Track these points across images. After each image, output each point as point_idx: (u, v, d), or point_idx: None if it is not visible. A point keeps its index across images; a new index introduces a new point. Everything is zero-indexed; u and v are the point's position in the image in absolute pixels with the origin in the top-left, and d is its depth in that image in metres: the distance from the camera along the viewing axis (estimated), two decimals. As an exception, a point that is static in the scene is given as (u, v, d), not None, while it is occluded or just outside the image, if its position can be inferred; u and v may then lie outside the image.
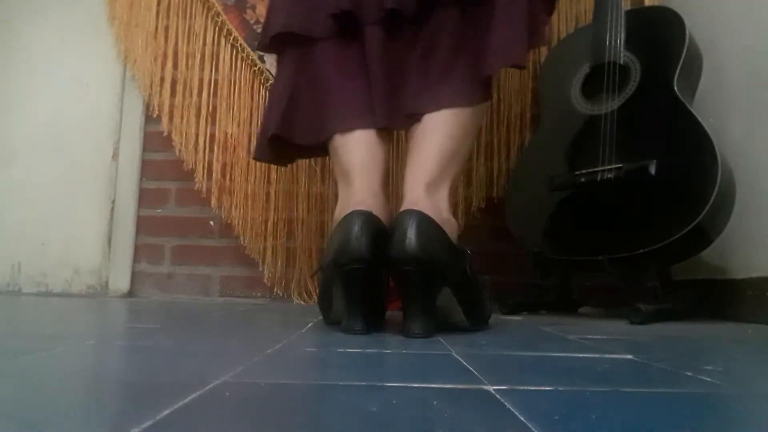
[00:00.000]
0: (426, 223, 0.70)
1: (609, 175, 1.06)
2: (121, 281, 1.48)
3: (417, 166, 0.80)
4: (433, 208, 0.74)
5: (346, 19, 0.85)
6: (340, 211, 0.80)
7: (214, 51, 1.52)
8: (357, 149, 0.84)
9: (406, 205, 0.74)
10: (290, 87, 0.90)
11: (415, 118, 0.84)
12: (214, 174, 1.48)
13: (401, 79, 0.85)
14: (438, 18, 0.84)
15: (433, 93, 0.82)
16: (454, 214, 0.86)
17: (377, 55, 0.84)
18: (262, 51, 1.02)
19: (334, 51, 0.87)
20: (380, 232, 0.72)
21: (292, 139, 0.91)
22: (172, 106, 1.51)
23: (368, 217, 0.72)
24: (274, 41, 0.92)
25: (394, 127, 0.91)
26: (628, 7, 1.23)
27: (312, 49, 0.89)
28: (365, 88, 0.86)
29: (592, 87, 1.17)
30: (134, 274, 1.49)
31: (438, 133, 0.81)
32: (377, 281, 0.76)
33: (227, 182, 1.48)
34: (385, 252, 0.70)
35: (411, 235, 0.68)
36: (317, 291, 0.91)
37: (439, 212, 0.75)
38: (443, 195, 0.80)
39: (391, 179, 1.40)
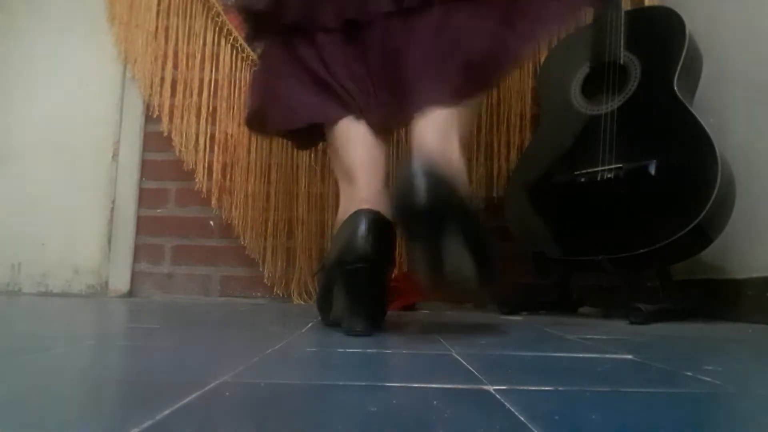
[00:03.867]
0: (436, 170, 0.66)
1: (609, 175, 1.06)
2: (121, 281, 1.48)
3: (424, 122, 0.76)
4: (447, 153, 0.71)
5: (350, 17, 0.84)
6: (345, 210, 0.79)
7: (214, 51, 1.52)
8: (357, 148, 0.84)
9: (416, 150, 0.71)
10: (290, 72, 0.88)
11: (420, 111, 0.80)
12: (214, 174, 1.48)
13: (407, 73, 0.82)
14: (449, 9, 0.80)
15: (441, 87, 0.79)
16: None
17: (379, 51, 0.83)
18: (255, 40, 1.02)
19: (338, 43, 0.86)
20: (387, 231, 0.72)
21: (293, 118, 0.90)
22: (172, 106, 1.51)
23: (375, 216, 0.71)
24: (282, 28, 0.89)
25: (393, 126, 0.89)
26: (628, 7, 1.23)
27: (315, 39, 0.86)
28: (367, 83, 0.84)
29: (592, 87, 1.17)
30: (134, 274, 1.49)
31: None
32: (381, 281, 0.76)
33: (227, 182, 1.48)
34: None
35: (421, 183, 0.64)
36: (316, 291, 0.90)
37: (453, 155, 0.73)
38: (454, 143, 0.76)
39: (392, 180, 1.40)
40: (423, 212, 0.64)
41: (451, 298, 0.70)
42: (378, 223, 0.71)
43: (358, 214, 0.71)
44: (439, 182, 0.65)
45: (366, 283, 0.70)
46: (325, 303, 0.81)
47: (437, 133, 0.74)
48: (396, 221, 0.71)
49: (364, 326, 0.70)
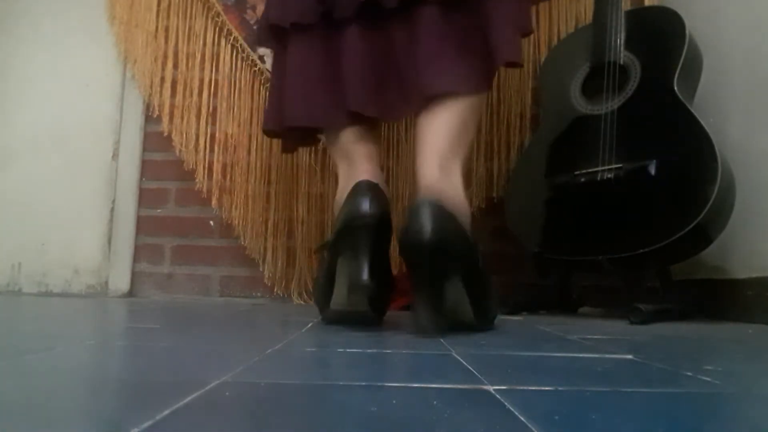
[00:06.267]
0: (440, 211, 0.70)
1: (609, 175, 1.06)
2: (121, 281, 1.48)
3: (427, 147, 0.80)
4: (451, 188, 0.75)
5: (327, 12, 0.87)
6: (343, 189, 0.83)
7: (215, 51, 1.52)
8: (353, 132, 0.88)
9: (422, 190, 0.75)
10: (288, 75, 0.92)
11: (411, 106, 0.85)
12: (214, 174, 1.48)
13: (393, 69, 0.86)
14: (424, 12, 0.83)
15: (438, 77, 0.82)
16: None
17: (360, 48, 0.85)
18: (260, 44, 1.07)
19: (321, 43, 0.89)
20: (385, 202, 0.76)
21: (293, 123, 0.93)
22: (172, 106, 1.51)
23: (377, 186, 0.76)
24: (273, 31, 0.94)
25: (386, 119, 0.94)
26: (628, 7, 1.23)
27: (302, 40, 0.90)
28: (356, 80, 0.86)
29: (592, 87, 1.17)
30: (134, 274, 1.49)
31: (445, 113, 0.82)
32: (383, 245, 0.78)
33: (227, 182, 1.48)
34: (399, 239, 0.71)
35: (426, 224, 0.68)
36: (318, 275, 0.90)
37: (456, 191, 0.77)
38: (457, 174, 0.80)
39: (391, 179, 1.40)
40: (426, 251, 0.68)
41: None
42: (378, 192, 0.76)
43: (359, 184, 0.76)
44: (441, 222, 0.69)
45: (374, 240, 0.73)
46: (326, 288, 0.81)
47: (439, 168, 0.78)
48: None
49: (367, 277, 0.72)
